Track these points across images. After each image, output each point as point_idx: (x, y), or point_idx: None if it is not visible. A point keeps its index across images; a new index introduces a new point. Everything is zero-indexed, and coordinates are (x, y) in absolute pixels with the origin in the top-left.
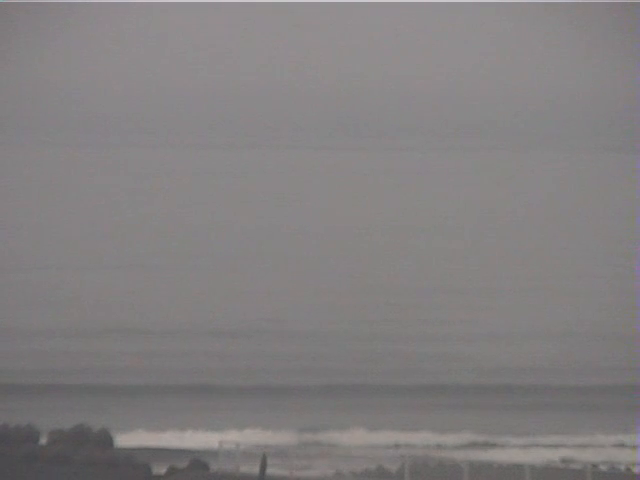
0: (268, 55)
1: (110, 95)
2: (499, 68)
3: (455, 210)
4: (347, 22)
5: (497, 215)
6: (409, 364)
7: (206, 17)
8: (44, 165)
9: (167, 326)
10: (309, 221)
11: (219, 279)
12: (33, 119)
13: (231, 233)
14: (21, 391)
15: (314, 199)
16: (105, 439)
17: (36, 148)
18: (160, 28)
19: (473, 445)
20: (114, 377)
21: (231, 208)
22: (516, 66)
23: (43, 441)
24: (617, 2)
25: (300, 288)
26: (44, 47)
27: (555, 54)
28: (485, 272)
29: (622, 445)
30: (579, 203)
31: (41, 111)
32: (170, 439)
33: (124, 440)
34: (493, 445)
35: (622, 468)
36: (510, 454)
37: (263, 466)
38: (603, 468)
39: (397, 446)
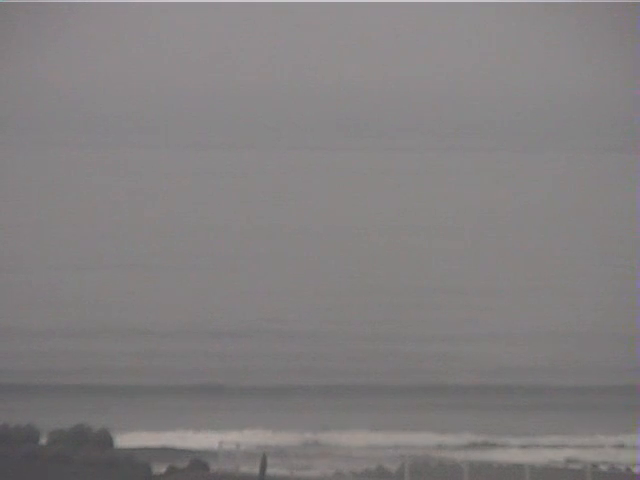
0: (268, 55)
1: (110, 95)
2: (499, 68)
3: (455, 210)
4: (347, 22)
5: (497, 215)
6: (409, 364)
7: (206, 17)
8: (44, 165)
9: (167, 326)
10: (309, 221)
11: (219, 279)
12: (33, 119)
13: (231, 233)
14: (21, 391)
15: (314, 199)
16: (105, 439)
17: (36, 148)
18: (160, 28)
19: (473, 445)
20: (114, 377)
21: (231, 208)
22: (516, 66)
23: (43, 441)
24: (617, 2)
25: (300, 288)
26: (44, 47)
27: (555, 54)
28: (485, 272)
29: (622, 445)
30: (579, 203)
31: (41, 111)
32: (170, 439)
33: (124, 440)
34: (493, 445)
35: (622, 468)
36: (510, 454)
37: (263, 466)
38: (603, 468)
39: (397, 446)
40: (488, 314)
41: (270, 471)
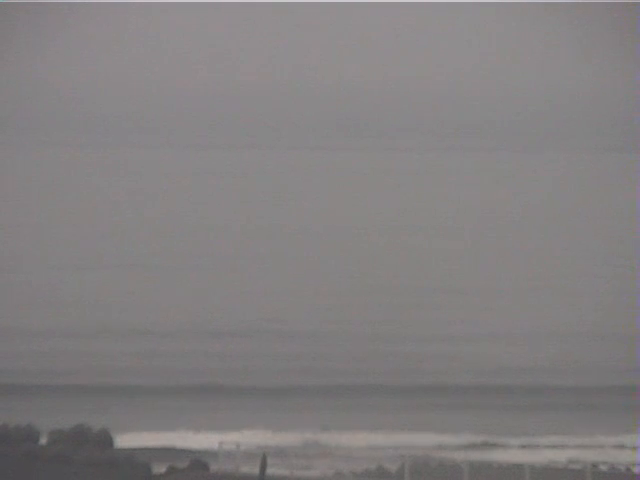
0: (268, 55)
1: (110, 95)
2: (499, 68)
3: (455, 210)
4: (347, 22)
5: (497, 215)
6: (409, 364)
7: (206, 17)
8: (44, 165)
9: (167, 326)
10: (309, 221)
11: (219, 279)
12: (33, 119)
13: (231, 233)
14: (21, 391)
15: (314, 199)
16: (105, 439)
17: (36, 148)
18: (160, 28)
19: (473, 445)
20: (114, 377)
21: (231, 208)
22: (516, 66)
23: (43, 441)
24: (617, 2)
25: (300, 288)
26: (44, 47)
27: (555, 54)
28: (485, 272)
29: (622, 445)
30: (579, 203)
31: (41, 111)
32: (170, 439)
33: (124, 440)
34: (493, 445)
35: (622, 468)
36: (510, 454)
37: (263, 466)
38: (603, 468)
39: (397, 446)
40: (488, 314)
41: (270, 471)
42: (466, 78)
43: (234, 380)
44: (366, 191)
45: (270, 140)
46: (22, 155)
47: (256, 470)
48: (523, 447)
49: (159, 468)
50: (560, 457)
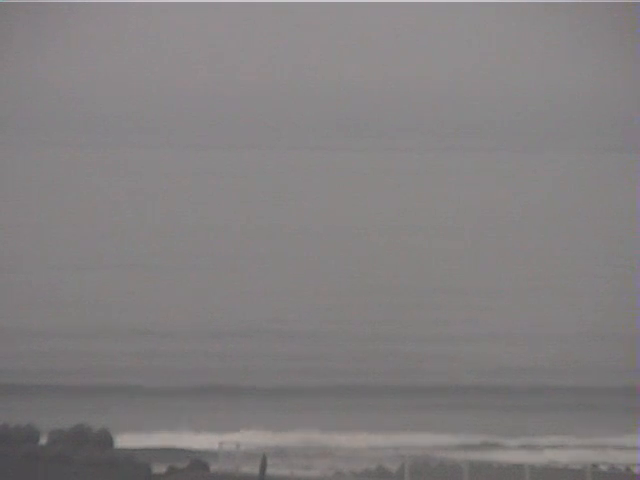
0: (268, 55)
1: (110, 95)
2: (499, 68)
3: (455, 210)
4: (347, 22)
5: (497, 215)
6: (409, 364)
7: (206, 17)
8: (44, 165)
9: (167, 326)
10: (309, 221)
11: (219, 279)
12: (33, 119)
13: (231, 233)
14: (21, 391)
15: (314, 199)
16: (105, 439)
17: (36, 148)
18: (160, 28)
19: (473, 445)
20: (114, 377)
21: (231, 208)
22: (516, 66)
23: (43, 441)
24: (617, 2)
25: (300, 288)
26: (44, 47)
27: (555, 54)
28: (485, 272)
29: (622, 446)
30: (579, 203)
31: (41, 111)
32: (170, 439)
33: (124, 440)
34: (493, 445)
35: (622, 468)
36: (510, 454)
37: (263, 466)
38: (603, 468)
39: (397, 446)
40: (488, 314)
41: (270, 471)
42: (466, 78)
43: (234, 380)
44: (366, 191)
45: (270, 140)
46: (22, 155)
47: (256, 470)
48: (523, 447)
49: (159, 468)
50: (560, 457)
